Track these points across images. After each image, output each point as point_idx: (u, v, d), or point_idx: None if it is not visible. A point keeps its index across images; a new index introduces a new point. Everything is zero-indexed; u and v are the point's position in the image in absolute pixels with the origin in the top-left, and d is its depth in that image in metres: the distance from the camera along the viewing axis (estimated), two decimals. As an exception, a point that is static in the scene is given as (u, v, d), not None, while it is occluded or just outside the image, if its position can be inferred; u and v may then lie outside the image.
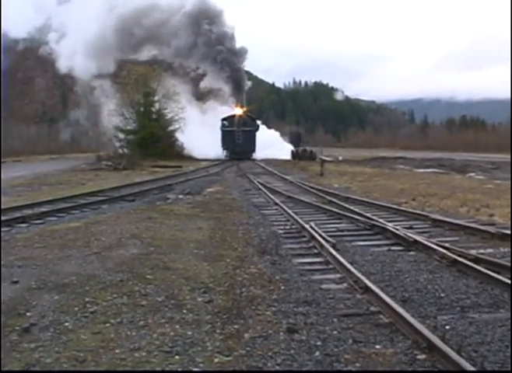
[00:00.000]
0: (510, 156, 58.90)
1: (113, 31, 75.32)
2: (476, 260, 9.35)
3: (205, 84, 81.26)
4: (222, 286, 8.20)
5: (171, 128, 63.04)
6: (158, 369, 5.33)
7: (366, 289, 7.76)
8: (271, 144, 70.86)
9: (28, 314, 6.91)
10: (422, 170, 44.37)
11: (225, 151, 67.26)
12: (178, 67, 79.72)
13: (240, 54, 76.57)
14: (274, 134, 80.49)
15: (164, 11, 76.60)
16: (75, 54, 75.40)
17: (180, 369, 5.34)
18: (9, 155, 65.70)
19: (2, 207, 17.05)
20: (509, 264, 8.86)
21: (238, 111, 69.98)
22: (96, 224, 14.03)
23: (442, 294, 7.84)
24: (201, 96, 79.45)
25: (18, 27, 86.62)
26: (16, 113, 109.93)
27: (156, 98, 62.28)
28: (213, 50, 73.88)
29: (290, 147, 73.06)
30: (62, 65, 79.18)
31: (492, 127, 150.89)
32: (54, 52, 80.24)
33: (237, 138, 66.07)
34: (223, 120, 68.48)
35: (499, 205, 17.95)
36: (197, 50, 74.75)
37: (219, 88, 78.05)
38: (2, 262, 9.60)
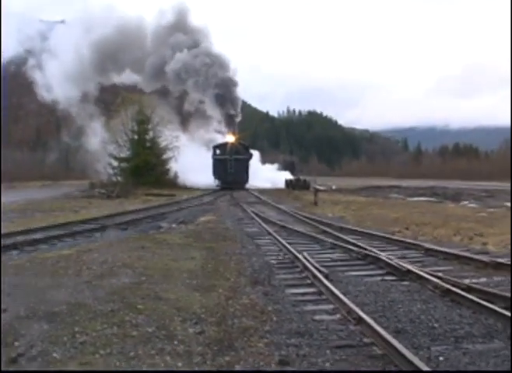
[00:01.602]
0: (503, 184, 58.95)
1: (91, 57, 75.62)
2: (469, 290, 9.32)
3: (189, 105, 79.73)
4: (213, 317, 8.12)
5: (165, 156, 62.81)
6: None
7: (360, 320, 7.70)
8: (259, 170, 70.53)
9: (16, 343, 6.81)
10: (415, 199, 44.45)
11: (216, 180, 65.27)
12: (162, 89, 79.31)
13: (232, 77, 75.16)
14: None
15: (140, 35, 76.58)
16: (56, 81, 75.56)
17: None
18: (2, 181, 65.60)
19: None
20: (503, 294, 8.83)
21: (230, 139, 68.13)
22: (88, 253, 13.94)
23: (435, 325, 7.78)
24: (185, 118, 78.23)
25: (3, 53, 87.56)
26: (11, 139, 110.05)
27: (149, 126, 62.21)
28: (202, 73, 72.54)
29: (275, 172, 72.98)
30: (45, 92, 79.39)
31: (486, 155, 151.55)
32: (36, 79, 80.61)
33: (229, 167, 64.07)
34: (215, 147, 66.88)
35: (492, 233, 17.94)
36: (183, 72, 73.62)
37: (204, 108, 76.58)
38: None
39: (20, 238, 16.65)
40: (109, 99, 78.93)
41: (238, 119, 74.95)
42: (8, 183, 65.53)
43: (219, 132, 73.95)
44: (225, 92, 72.50)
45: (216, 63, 73.29)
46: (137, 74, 79.26)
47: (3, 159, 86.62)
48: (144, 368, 6.06)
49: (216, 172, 65.12)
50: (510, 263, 11.65)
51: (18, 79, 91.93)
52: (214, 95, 72.31)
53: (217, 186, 63.60)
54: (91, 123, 70.83)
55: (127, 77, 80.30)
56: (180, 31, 75.09)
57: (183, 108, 78.58)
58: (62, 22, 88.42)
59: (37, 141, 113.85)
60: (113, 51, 74.42)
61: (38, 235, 17.52)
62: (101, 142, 65.31)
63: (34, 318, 7.89)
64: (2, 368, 6.07)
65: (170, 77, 74.77)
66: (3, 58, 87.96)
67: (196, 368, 6.08)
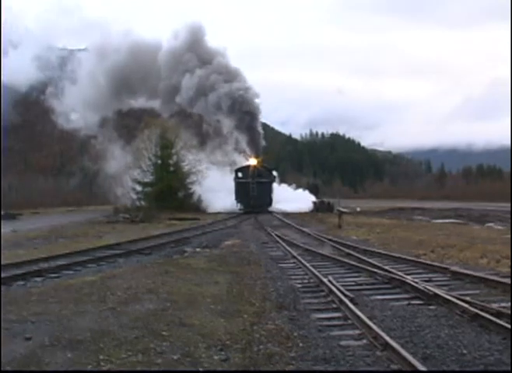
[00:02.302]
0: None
1: (107, 83, 75.80)
2: (498, 314, 9.14)
3: (207, 125, 78.77)
4: (239, 343, 8.04)
5: (188, 180, 62.78)
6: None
7: (386, 346, 7.58)
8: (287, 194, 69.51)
9: None
10: (440, 221, 44.09)
11: (239, 204, 63.46)
12: (179, 112, 78.42)
13: (253, 98, 73.19)
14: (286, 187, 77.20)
15: (155, 59, 75.58)
16: (75, 107, 76.18)
17: None
18: (27, 207, 66.17)
19: (18, 260, 17.24)
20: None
21: (253, 161, 66.30)
22: (112, 279, 13.94)
23: (464, 351, 7.62)
24: (205, 139, 76.61)
25: (21, 81, 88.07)
26: (34, 166, 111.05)
27: (173, 150, 62.33)
28: (217, 91, 70.92)
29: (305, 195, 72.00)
30: (64, 120, 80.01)
31: (509, 176, 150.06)
32: (55, 107, 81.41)
33: (252, 190, 62.20)
34: (237, 170, 65.60)
35: (519, 256, 17.66)
36: (198, 93, 72.39)
37: (222, 127, 75.78)
38: (15, 317, 9.52)
39: (44, 265, 16.72)
40: (128, 124, 79.35)
41: (260, 133, 73.50)
42: (32, 209, 66.10)
43: (239, 150, 73.06)
44: (247, 115, 70.89)
45: (232, 78, 72.36)
46: (154, 99, 79.30)
47: (27, 186, 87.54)
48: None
49: (238, 196, 63.41)
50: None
51: (41, 106, 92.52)
52: (231, 112, 71.07)
53: (239, 209, 62.04)
54: (111, 148, 71.11)
55: (144, 102, 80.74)
56: (195, 52, 74.53)
57: (202, 129, 77.74)
58: (83, 49, 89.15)
59: (61, 167, 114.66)
60: (130, 77, 74.35)
61: (62, 262, 17.57)
62: (124, 167, 65.60)
63: (58, 346, 7.86)
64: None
65: (186, 99, 74.25)
66: (24, 84, 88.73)
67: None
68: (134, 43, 76.36)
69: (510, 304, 10.54)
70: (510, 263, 16.33)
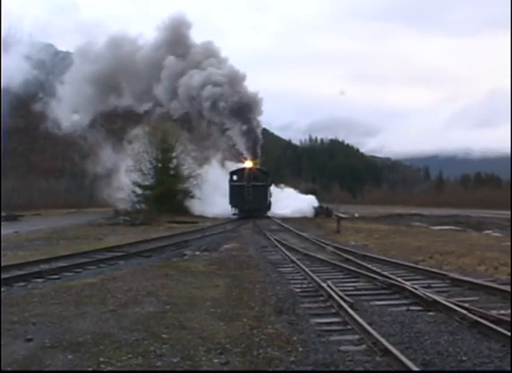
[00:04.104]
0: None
1: (92, 84, 75.22)
2: (498, 322, 9.16)
3: (198, 125, 76.82)
4: (238, 347, 8.06)
5: (188, 184, 62.39)
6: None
7: (386, 351, 7.60)
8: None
9: (41, 374, 6.81)
10: (438, 227, 44.09)
11: (233, 209, 60.00)
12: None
13: (252, 100, 70.66)
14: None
15: (138, 59, 74.56)
16: (64, 111, 75.87)
17: None
18: (29, 209, 66.23)
19: (19, 261, 17.30)
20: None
21: (248, 164, 63.34)
22: (113, 281, 13.97)
23: (464, 358, 7.64)
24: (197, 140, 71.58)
25: (18, 81, 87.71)
26: (37, 168, 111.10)
27: (173, 154, 62.09)
28: (214, 95, 68.27)
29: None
30: (54, 123, 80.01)
31: (507, 184, 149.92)
32: (45, 112, 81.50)
33: (247, 194, 58.86)
34: (232, 173, 62.11)
35: (518, 263, 17.67)
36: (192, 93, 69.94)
37: (212, 128, 74.71)
38: (17, 318, 9.56)
39: (45, 266, 16.75)
40: (117, 123, 79.32)
41: (258, 144, 70.80)
42: (34, 211, 66.10)
43: (230, 150, 72.21)
44: (244, 117, 69.05)
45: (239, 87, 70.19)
46: (140, 99, 78.28)
47: (29, 187, 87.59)
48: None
49: (233, 200, 59.95)
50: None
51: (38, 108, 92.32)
52: (232, 119, 69.42)
53: (234, 214, 59.06)
54: (101, 149, 70.52)
55: (131, 102, 79.94)
56: (175, 47, 73.22)
57: (193, 130, 75.63)
58: (68, 52, 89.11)
59: (62, 170, 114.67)
60: (115, 78, 73.63)
61: (63, 263, 17.62)
62: (114, 167, 65.36)
63: (59, 348, 7.88)
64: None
65: (165, 99, 73.50)
66: (20, 84, 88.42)
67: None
68: (118, 43, 75.62)
69: (509, 311, 10.56)
70: (509, 270, 16.36)
